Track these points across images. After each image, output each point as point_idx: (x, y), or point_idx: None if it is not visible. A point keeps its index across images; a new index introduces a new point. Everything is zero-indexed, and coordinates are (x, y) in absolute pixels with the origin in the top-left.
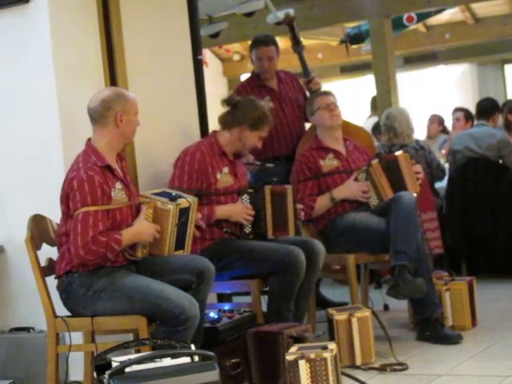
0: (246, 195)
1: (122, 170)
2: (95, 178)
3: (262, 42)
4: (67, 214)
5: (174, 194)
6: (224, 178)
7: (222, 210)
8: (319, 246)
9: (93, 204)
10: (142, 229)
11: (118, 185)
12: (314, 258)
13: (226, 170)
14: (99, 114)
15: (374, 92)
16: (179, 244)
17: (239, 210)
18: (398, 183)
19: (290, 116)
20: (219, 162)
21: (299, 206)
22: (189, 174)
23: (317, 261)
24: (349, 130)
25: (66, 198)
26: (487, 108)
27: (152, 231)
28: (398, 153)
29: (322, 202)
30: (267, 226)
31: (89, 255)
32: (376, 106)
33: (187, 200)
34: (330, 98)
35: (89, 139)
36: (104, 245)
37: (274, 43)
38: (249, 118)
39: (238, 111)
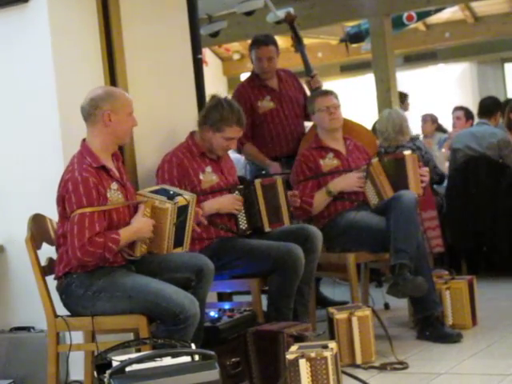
0: (237, 192)
1: (119, 169)
2: (90, 179)
3: (262, 42)
4: (64, 215)
5: (171, 192)
6: (208, 177)
7: (209, 205)
8: (314, 230)
9: (88, 205)
10: (140, 226)
11: (114, 185)
12: (312, 242)
13: (208, 169)
14: (87, 113)
15: (374, 91)
16: (178, 241)
17: (228, 200)
18: (400, 182)
19: (291, 116)
20: (200, 163)
21: (290, 193)
22: (170, 182)
23: (314, 245)
24: (351, 128)
25: (61, 200)
26: (490, 107)
27: (151, 227)
28: (407, 152)
29: (320, 197)
30: (263, 220)
31: (86, 257)
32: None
33: (184, 198)
34: (332, 99)
35: (84, 140)
36: (101, 246)
37: (274, 43)
38: (208, 119)
39: (203, 111)
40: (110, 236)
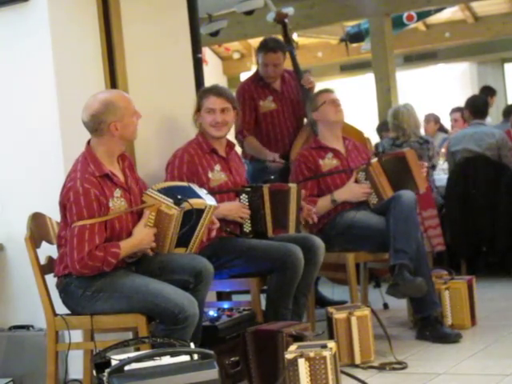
0: (244, 195)
1: (124, 171)
2: (91, 191)
3: (271, 49)
4: (65, 220)
5: (180, 197)
6: (216, 175)
7: (218, 210)
8: (318, 241)
9: (89, 217)
10: (141, 237)
11: (117, 192)
12: (314, 253)
13: (217, 167)
14: (92, 128)
15: (373, 90)
16: (183, 241)
17: (236, 208)
18: (404, 181)
19: (290, 119)
20: (210, 161)
21: (306, 206)
22: (179, 178)
23: (316, 257)
24: (344, 129)
25: (63, 207)
26: (482, 107)
27: (152, 238)
28: (407, 149)
29: (323, 204)
30: (267, 225)
31: (85, 269)
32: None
33: (189, 203)
34: (335, 95)
35: (88, 142)
36: (101, 260)
37: (282, 49)
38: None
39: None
40: (111, 250)
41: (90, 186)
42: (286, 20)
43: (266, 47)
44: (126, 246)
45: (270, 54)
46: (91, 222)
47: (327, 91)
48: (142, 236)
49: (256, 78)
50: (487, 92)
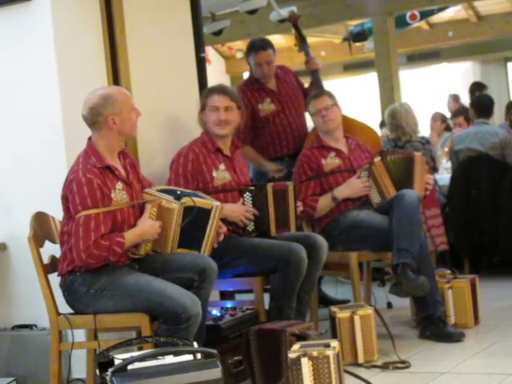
0: (248, 193)
1: (125, 167)
2: (94, 181)
3: (260, 47)
4: (68, 214)
5: (179, 192)
6: (221, 174)
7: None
8: (321, 240)
9: (93, 207)
10: (146, 228)
11: (119, 185)
12: (317, 252)
13: (222, 166)
14: (91, 121)
15: (377, 90)
16: (194, 244)
17: (239, 210)
18: (405, 181)
19: (291, 115)
20: (214, 160)
21: (298, 204)
22: (184, 176)
23: (319, 255)
24: (354, 127)
25: (66, 200)
26: (489, 107)
27: (157, 230)
28: (418, 153)
29: (324, 202)
30: (270, 224)
31: (91, 259)
32: None
33: (192, 199)
34: (323, 101)
35: (89, 138)
36: (106, 249)
37: (271, 46)
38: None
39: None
40: (115, 239)
41: (92, 175)
42: (299, 21)
43: (254, 47)
44: (130, 237)
45: (261, 52)
46: (96, 212)
47: (316, 98)
48: (145, 227)
49: (250, 81)
50: (477, 88)
